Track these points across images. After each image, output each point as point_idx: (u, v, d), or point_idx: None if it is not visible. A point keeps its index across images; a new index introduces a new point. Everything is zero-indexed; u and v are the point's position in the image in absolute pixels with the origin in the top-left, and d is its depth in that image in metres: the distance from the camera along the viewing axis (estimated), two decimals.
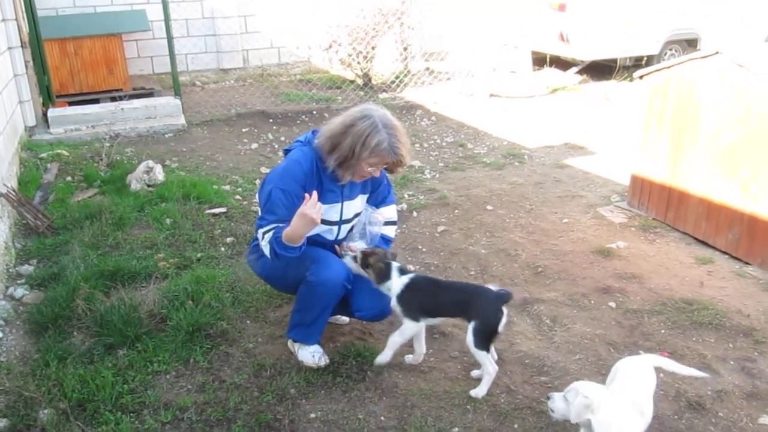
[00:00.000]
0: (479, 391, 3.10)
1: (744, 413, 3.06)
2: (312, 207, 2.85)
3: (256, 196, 3.38)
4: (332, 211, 3.21)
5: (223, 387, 3.19)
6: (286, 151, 3.26)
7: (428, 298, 3.16)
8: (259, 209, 3.28)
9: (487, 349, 3.06)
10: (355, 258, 3.22)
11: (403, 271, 3.21)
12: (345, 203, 3.23)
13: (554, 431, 2.91)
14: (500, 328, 3.06)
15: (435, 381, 3.25)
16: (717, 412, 3.07)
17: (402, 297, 3.14)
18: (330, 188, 3.15)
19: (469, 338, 3.03)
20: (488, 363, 3.08)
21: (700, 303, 3.96)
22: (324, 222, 3.19)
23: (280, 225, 2.97)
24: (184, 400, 3.08)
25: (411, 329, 3.18)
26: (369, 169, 3.07)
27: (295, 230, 2.90)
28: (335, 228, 3.29)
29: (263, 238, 3.03)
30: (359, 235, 3.39)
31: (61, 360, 3.29)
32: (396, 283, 3.15)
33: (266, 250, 3.05)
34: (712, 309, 3.90)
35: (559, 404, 2.60)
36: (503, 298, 3.06)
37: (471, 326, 3.03)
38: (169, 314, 3.65)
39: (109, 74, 8.71)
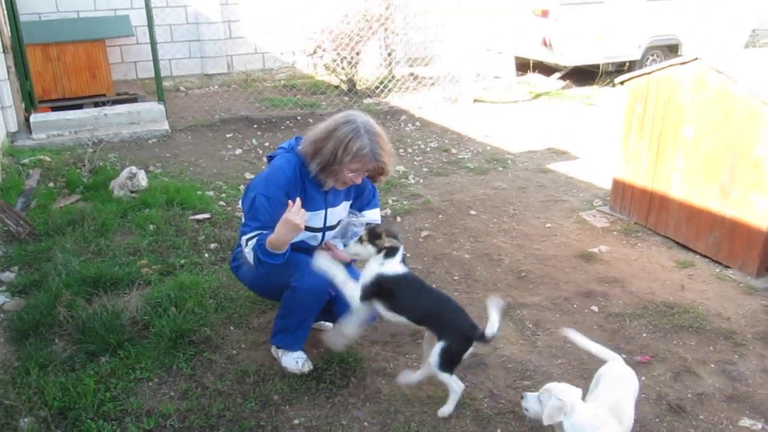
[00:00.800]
0: (446, 410, 3.03)
1: (724, 416, 3.09)
2: (296, 213, 2.84)
3: (240, 202, 3.37)
4: (316, 218, 3.21)
5: (206, 394, 3.18)
6: (270, 158, 3.25)
7: (407, 296, 3.03)
8: (242, 215, 3.28)
9: (451, 372, 2.98)
10: (360, 239, 3.08)
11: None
12: (329, 210, 3.23)
13: None
14: (465, 355, 3.00)
15: (418, 386, 3.25)
16: (698, 414, 3.10)
17: (374, 282, 3.02)
18: (314, 195, 3.15)
19: (435, 359, 2.93)
20: (453, 383, 3.01)
21: (681, 306, 4.00)
22: (308, 229, 3.19)
23: (264, 232, 2.97)
24: (166, 407, 3.06)
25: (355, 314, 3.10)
26: (350, 174, 3.05)
27: (279, 237, 2.90)
28: (319, 235, 3.29)
29: (246, 245, 3.03)
30: (340, 235, 3.40)
31: (42, 368, 3.27)
32: (388, 266, 3.01)
33: (249, 257, 3.04)
34: (692, 312, 3.94)
35: (532, 405, 2.61)
36: (475, 332, 2.96)
37: (439, 345, 2.93)
38: (151, 321, 3.64)
39: (92, 79, 8.68)
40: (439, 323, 3.00)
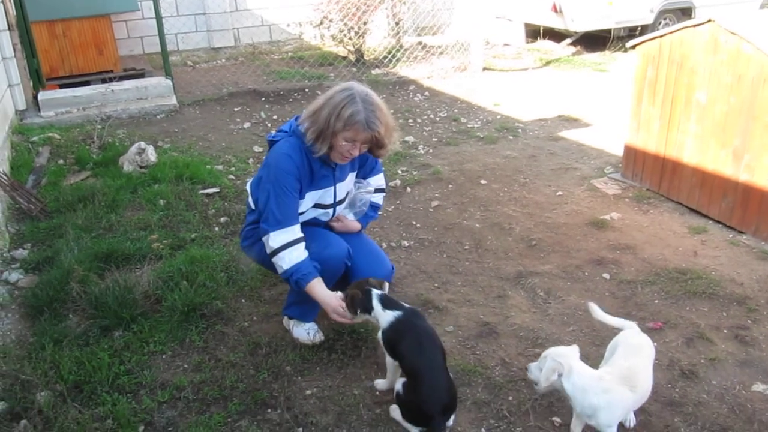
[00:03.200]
0: None
1: (737, 381, 3.08)
2: (340, 315, 2.98)
3: (248, 186, 3.34)
4: (326, 195, 3.20)
5: (219, 366, 3.20)
6: (270, 142, 3.18)
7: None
8: (251, 200, 3.28)
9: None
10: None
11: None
12: (337, 185, 3.21)
13: (548, 402, 2.93)
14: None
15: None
16: (710, 380, 3.09)
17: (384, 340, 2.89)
18: (323, 174, 3.11)
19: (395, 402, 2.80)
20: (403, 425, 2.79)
21: (693, 272, 3.97)
22: (319, 206, 3.21)
23: (304, 266, 2.99)
24: (180, 380, 3.09)
25: (389, 366, 2.98)
26: (344, 144, 2.96)
27: (317, 298, 3.01)
28: (330, 210, 3.28)
29: (276, 254, 2.99)
30: (349, 206, 3.39)
31: (57, 343, 3.30)
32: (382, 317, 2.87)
33: (278, 270, 3.04)
34: (705, 278, 3.91)
35: (535, 373, 2.60)
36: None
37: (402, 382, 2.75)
38: (164, 295, 3.66)
39: (99, 56, 8.64)
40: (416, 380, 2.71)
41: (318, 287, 3.02)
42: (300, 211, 3.12)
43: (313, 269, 3.02)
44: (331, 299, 3.01)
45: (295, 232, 3.01)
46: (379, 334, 2.90)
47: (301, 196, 3.09)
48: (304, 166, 3.05)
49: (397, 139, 3.19)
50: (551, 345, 3.31)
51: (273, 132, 3.22)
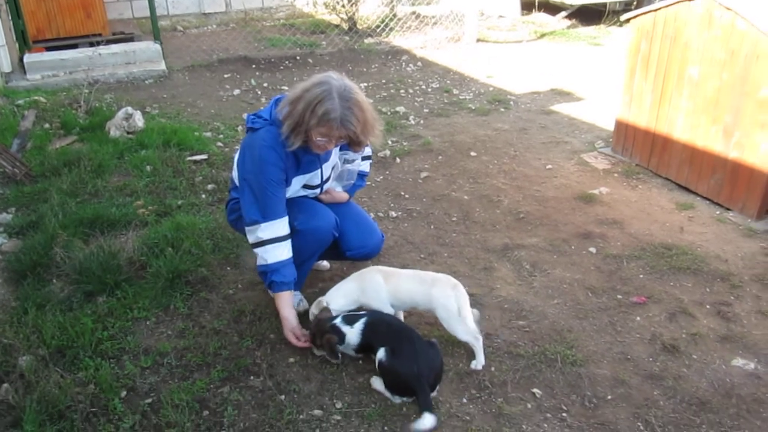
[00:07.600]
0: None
1: (717, 355, 3.11)
2: (295, 339, 3.04)
3: (234, 161, 3.27)
4: (314, 178, 3.17)
5: (202, 333, 3.20)
6: (250, 128, 3.07)
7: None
8: (235, 174, 3.21)
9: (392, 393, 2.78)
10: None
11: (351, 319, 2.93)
12: (323, 166, 3.17)
13: (530, 374, 2.95)
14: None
15: (411, 324, 3.26)
16: (691, 354, 3.11)
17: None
18: (308, 159, 3.06)
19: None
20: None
21: (679, 248, 3.99)
22: (308, 187, 3.20)
23: (286, 270, 3.02)
24: (164, 346, 3.09)
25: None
26: (319, 139, 2.88)
27: (280, 311, 3.07)
28: (318, 190, 3.26)
29: (267, 252, 2.99)
30: (337, 179, 3.36)
31: (39, 307, 3.28)
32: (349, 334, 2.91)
33: (258, 260, 3.05)
34: (690, 254, 3.92)
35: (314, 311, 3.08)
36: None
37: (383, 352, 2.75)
38: (148, 261, 3.64)
39: (87, 18, 8.48)
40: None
41: (286, 300, 3.06)
42: (288, 195, 3.10)
43: (292, 279, 3.05)
44: (293, 320, 3.06)
45: (284, 226, 3.00)
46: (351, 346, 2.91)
47: (288, 183, 3.05)
48: (289, 156, 2.98)
49: (380, 133, 3.06)
50: (535, 317, 3.35)
51: (252, 115, 3.10)
